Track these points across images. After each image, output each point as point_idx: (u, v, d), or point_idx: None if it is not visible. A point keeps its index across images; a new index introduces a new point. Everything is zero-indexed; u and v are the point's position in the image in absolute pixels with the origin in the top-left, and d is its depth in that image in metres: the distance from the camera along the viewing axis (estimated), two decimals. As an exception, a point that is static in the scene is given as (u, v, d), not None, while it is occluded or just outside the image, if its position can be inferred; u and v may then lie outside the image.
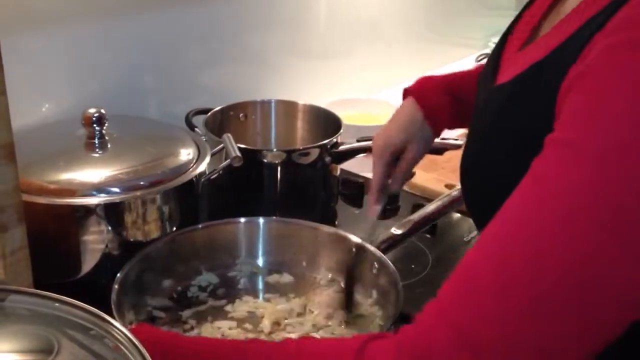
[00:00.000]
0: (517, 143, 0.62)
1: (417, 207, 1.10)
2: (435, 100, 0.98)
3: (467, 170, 0.74)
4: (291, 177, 1.16)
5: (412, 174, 1.08)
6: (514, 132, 0.63)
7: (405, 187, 1.15)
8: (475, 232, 1.17)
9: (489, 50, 2.07)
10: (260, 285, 0.99)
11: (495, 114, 0.67)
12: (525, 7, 0.77)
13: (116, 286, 0.83)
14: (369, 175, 1.04)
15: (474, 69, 1.01)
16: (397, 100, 1.05)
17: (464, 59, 2.08)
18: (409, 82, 1.02)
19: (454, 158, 0.90)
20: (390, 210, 1.19)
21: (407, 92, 1.01)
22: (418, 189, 1.32)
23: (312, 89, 1.59)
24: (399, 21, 1.84)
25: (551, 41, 0.61)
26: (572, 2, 0.64)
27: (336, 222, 1.23)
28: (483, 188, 0.69)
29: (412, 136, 0.99)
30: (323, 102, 1.39)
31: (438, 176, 1.35)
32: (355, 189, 1.29)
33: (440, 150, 1.12)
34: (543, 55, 0.60)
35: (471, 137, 0.75)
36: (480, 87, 0.79)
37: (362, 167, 1.29)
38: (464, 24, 2.08)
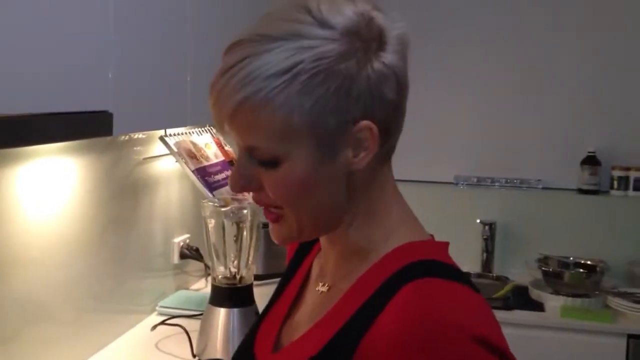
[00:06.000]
0: None
1: None
2: None
3: None
4: None
5: None
6: None
7: None
8: None
9: (157, 316, 2.02)
10: None
11: None
12: (263, 314, 0.94)
13: None
14: None
15: None
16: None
17: (136, 326, 2.00)
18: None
19: None
20: None
21: None
22: None
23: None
24: (65, 299, 1.71)
25: (317, 336, 0.78)
26: (311, 313, 0.84)
27: None
28: None
29: None
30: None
31: None
32: None
33: None
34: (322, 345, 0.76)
35: None
36: None
37: None
38: (130, 291, 2.04)
